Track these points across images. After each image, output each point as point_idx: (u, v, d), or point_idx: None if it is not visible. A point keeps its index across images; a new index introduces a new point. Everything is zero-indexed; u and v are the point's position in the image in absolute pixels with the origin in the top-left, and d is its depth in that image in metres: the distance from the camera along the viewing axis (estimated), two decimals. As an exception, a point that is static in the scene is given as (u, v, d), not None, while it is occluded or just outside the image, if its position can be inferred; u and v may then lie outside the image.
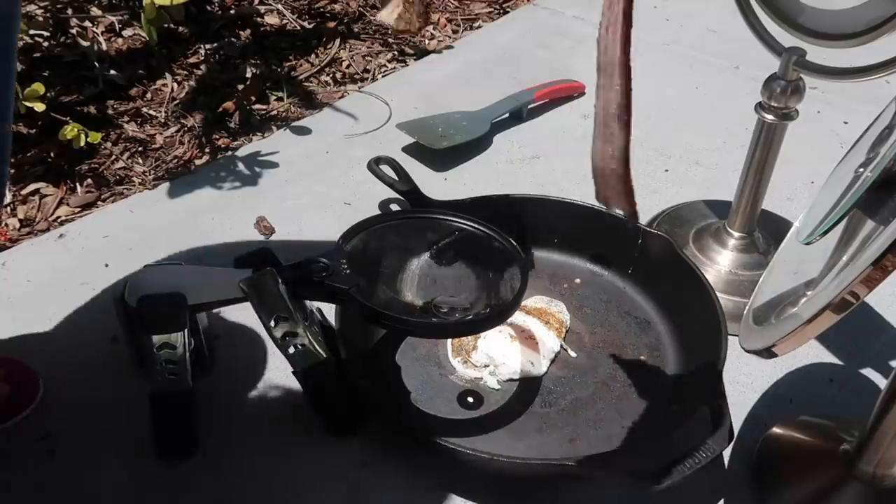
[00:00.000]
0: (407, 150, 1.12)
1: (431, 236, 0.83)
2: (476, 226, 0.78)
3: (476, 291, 0.78)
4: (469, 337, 0.79)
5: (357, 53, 1.39)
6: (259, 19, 1.44)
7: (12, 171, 1.04)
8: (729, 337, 0.72)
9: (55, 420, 0.72)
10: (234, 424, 0.73)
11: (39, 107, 1.01)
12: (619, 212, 0.77)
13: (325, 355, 0.65)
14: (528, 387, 0.76)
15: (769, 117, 0.81)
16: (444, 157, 1.10)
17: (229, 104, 1.21)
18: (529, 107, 1.22)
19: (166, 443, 0.68)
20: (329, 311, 0.75)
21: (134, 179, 1.08)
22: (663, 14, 1.56)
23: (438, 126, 1.13)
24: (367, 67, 1.37)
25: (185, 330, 0.63)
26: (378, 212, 1.00)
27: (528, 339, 0.79)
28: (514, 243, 0.75)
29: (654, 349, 0.81)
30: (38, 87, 1.00)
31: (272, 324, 0.63)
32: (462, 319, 0.75)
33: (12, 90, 0.70)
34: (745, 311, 0.66)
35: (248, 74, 1.29)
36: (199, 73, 1.29)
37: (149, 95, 1.24)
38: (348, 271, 0.66)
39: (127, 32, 1.32)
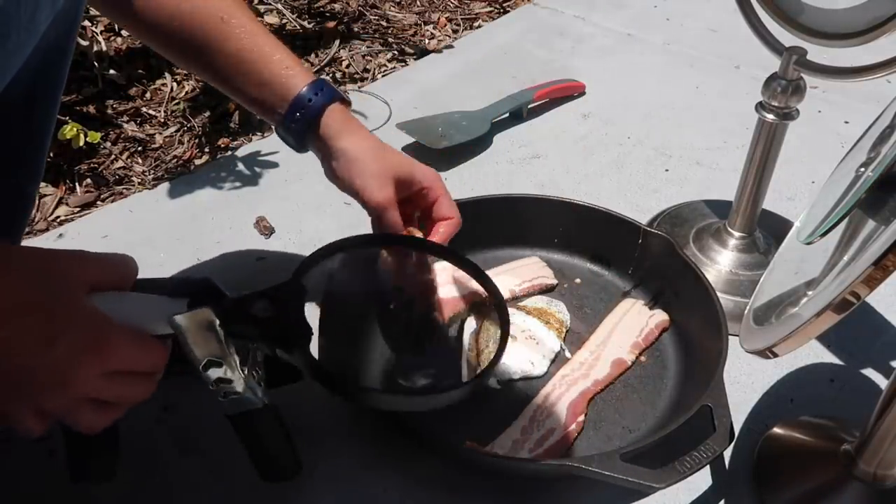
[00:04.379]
0: (407, 150, 1.12)
1: (405, 273, 0.73)
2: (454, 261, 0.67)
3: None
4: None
5: (357, 53, 1.39)
6: (259, 19, 1.44)
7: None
8: (729, 337, 0.72)
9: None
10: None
11: (39, 106, 1.01)
12: None
13: (261, 404, 0.56)
14: (528, 387, 0.76)
15: (770, 117, 0.81)
16: (444, 157, 1.10)
17: (229, 104, 1.21)
18: (529, 106, 1.22)
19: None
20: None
21: (133, 179, 1.08)
22: (663, 14, 1.56)
23: (438, 126, 1.13)
24: (367, 67, 1.37)
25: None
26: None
27: (528, 339, 0.79)
28: (494, 285, 0.65)
29: (655, 349, 0.80)
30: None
31: (203, 369, 0.54)
32: (428, 390, 0.68)
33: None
34: (745, 311, 0.66)
35: (248, 74, 1.29)
36: (199, 72, 1.29)
37: (148, 95, 1.24)
38: (301, 314, 0.55)
39: (126, 32, 1.32)
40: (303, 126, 0.69)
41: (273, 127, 0.72)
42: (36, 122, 0.70)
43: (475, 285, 0.66)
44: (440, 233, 0.73)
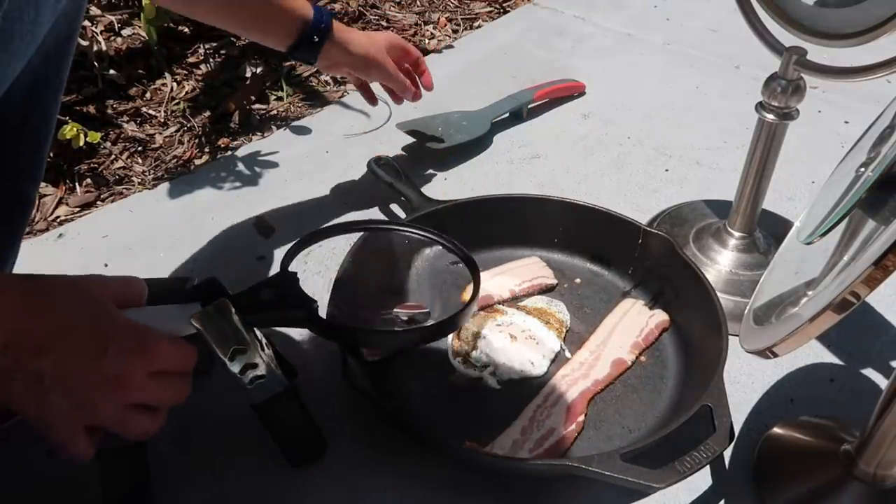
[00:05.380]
0: (407, 150, 1.12)
1: (382, 246, 0.84)
2: (423, 233, 0.76)
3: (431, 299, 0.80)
4: (469, 337, 0.79)
5: (357, 53, 1.39)
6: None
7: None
8: (729, 337, 0.72)
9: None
10: (231, 424, 0.72)
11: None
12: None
13: (282, 387, 0.63)
14: (528, 387, 0.76)
15: (770, 117, 0.81)
16: (444, 157, 1.10)
17: (229, 104, 1.21)
18: (529, 106, 1.22)
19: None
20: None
21: (133, 179, 1.08)
22: (663, 13, 1.56)
23: (438, 126, 1.13)
24: (367, 67, 1.36)
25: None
26: (378, 211, 1.00)
27: (528, 339, 0.79)
28: (464, 250, 0.74)
29: (655, 349, 0.80)
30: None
31: (229, 359, 0.60)
32: (422, 327, 0.76)
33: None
34: (745, 311, 0.66)
35: (248, 74, 1.29)
36: (200, 72, 1.29)
37: (148, 95, 1.24)
38: (300, 292, 0.64)
39: (126, 32, 1.32)
40: (327, 30, 0.90)
41: (295, 42, 0.89)
42: (35, 125, 0.70)
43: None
44: (422, 69, 1.05)
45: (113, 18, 1.30)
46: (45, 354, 0.51)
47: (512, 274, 0.87)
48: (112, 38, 1.30)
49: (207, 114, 1.20)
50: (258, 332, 0.64)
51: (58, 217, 1.01)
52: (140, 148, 1.14)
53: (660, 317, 0.82)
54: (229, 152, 1.12)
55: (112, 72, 1.23)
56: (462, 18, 1.54)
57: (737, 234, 0.91)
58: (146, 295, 0.60)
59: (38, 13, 0.57)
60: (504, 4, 1.60)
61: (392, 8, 1.56)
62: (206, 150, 1.14)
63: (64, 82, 0.71)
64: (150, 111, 1.21)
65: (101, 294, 0.56)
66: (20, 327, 0.51)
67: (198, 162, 1.12)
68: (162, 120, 1.19)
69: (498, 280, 0.86)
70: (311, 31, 0.88)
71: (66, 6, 0.62)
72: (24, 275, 0.55)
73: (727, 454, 0.72)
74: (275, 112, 1.23)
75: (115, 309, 0.56)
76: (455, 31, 1.51)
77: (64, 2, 0.61)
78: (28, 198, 0.74)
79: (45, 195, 1.04)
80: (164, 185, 1.05)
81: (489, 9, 1.59)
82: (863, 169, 0.59)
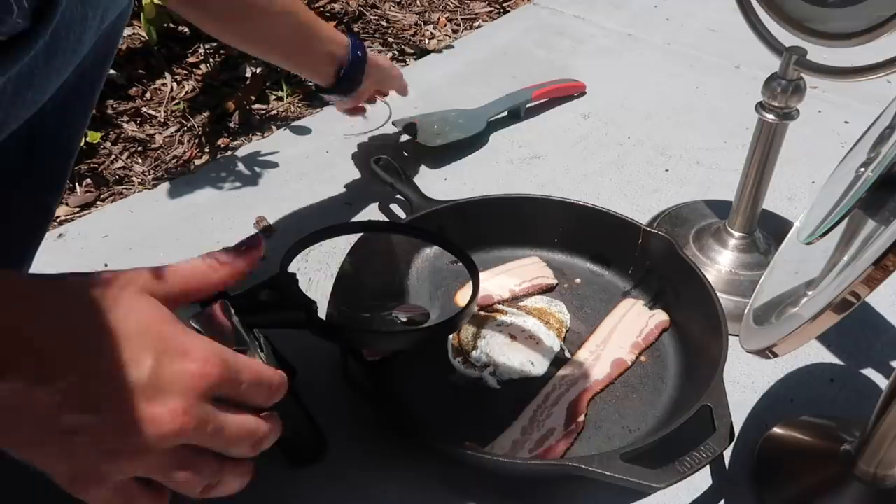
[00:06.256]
0: (407, 149, 1.12)
1: (382, 246, 0.85)
2: (423, 234, 0.77)
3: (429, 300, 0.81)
4: (468, 337, 0.79)
5: (357, 53, 1.39)
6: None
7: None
8: (729, 337, 0.72)
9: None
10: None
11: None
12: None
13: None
14: (528, 387, 0.76)
15: (770, 117, 0.81)
16: (442, 156, 1.10)
17: (229, 104, 1.21)
18: (528, 106, 1.22)
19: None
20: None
21: (133, 179, 1.08)
22: (663, 14, 1.56)
23: (434, 123, 1.13)
24: (367, 67, 1.36)
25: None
26: (378, 211, 1.00)
27: (528, 339, 0.79)
28: (462, 251, 0.73)
29: (655, 349, 0.80)
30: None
31: None
32: (422, 328, 0.76)
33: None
34: (745, 311, 0.66)
35: (248, 74, 1.29)
36: (200, 72, 1.29)
37: (148, 95, 1.24)
38: (299, 293, 0.64)
39: (126, 32, 1.32)
40: (365, 58, 0.94)
41: (338, 72, 0.93)
42: (66, 139, 0.70)
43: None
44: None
45: (113, 18, 1.30)
46: (56, 378, 0.38)
47: (512, 274, 0.87)
48: (112, 37, 1.30)
49: (207, 114, 1.20)
50: (257, 333, 0.64)
51: (57, 217, 1.01)
52: (140, 148, 1.14)
53: (660, 317, 0.82)
54: (229, 152, 1.12)
55: (112, 72, 1.23)
56: (462, 18, 1.54)
57: (737, 234, 0.91)
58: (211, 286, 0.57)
59: (83, 32, 0.57)
60: (504, 4, 1.60)
61: (392, 8, 1.56)
62: (206, 150, 1.14)
63: (97, 99, 0.71)
64: (150, 111, 1.21)
65: (127, 278, 0.44)
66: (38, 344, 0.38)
67: (198, 162, 1.12)
68: (162, 120, 1.19)
69: (498, 280, 0.86)
70: (354, 50, 0.93)
71: (108, 27, 0.63)
72: (34, 274, 0.47)
73: (727, 454, 0.72)
74: (275, 112, 1.23)
75: (141, 294, 0.43)
76: (455, 31, 1.51)
77: (108, 22, 0.61)
78: (49, 210, 0.74)
79: (45, 195, 1.04)
80: (164, 185, 1.05)
81: (489, 9, 1.59)
82: (863, 169, 0.59)
